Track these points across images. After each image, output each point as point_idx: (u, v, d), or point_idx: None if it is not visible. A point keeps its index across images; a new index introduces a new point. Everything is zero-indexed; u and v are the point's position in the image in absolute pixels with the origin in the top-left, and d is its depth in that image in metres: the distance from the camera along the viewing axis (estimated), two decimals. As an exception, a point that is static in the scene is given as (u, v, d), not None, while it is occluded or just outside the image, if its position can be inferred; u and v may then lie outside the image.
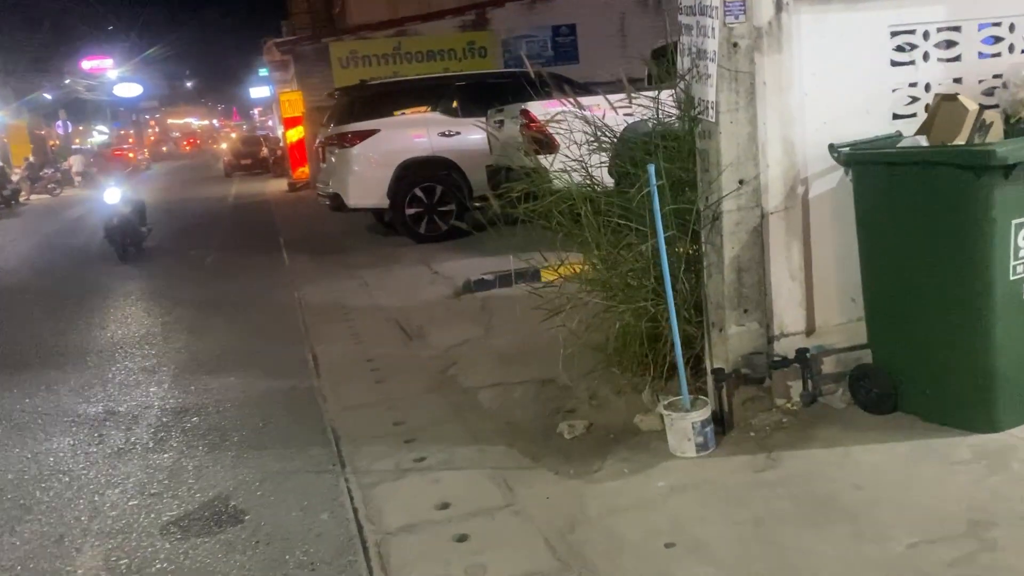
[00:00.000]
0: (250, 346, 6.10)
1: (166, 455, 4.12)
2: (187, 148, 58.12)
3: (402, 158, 9.42)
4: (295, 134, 21.30)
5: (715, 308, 3.38)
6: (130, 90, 56.81)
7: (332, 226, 12.60)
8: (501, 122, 8.17)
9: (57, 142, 46.25)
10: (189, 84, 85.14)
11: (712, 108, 3.20)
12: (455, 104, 9.64)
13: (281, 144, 29.59)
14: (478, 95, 9.78)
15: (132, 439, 4.41)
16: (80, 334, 7.13)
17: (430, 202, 9.56)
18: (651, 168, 3.15)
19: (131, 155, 51.04)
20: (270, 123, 58.86)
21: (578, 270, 4.41)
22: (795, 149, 3.28)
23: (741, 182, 3.24)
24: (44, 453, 4.32)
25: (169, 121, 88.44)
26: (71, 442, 4.45)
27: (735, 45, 3.15)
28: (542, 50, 21.53)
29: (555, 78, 10.20)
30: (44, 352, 6.58)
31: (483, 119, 9.33)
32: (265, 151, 31.92)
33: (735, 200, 3.25)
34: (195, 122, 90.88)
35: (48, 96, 44.82)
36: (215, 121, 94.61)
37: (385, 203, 9.48)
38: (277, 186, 23.45)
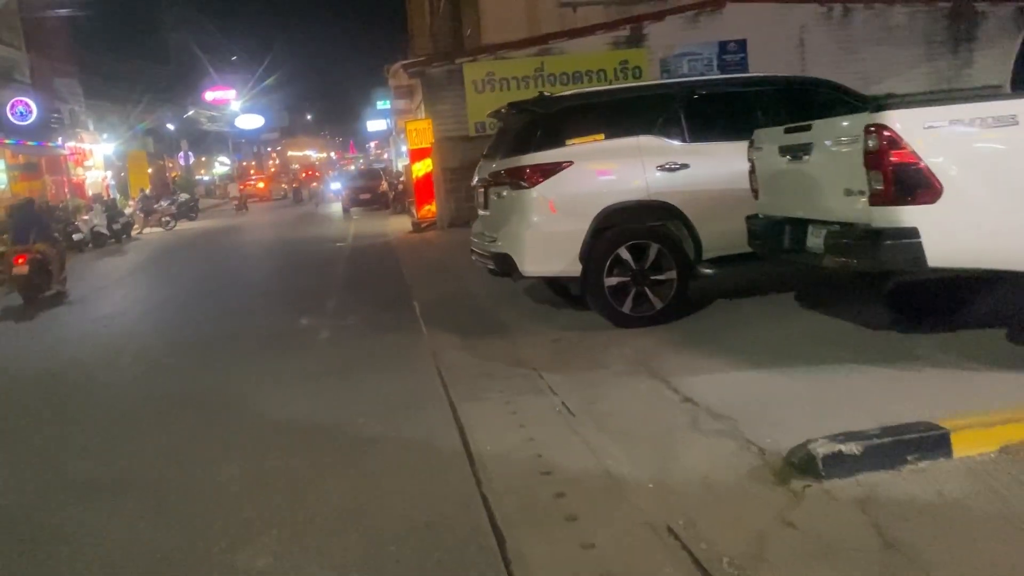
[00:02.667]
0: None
1: None
2: (297, 183, 55.05)
3: (604, 204, 6.34)
4: (422, 167, 18.73)
5: None
6: (252, 122, 56.84)
7: (476, 283, 9.70)
8: (801, 148, 4.96)
9: (178, 173, 46.00)
10: (309, 116, 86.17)
11: None
12: (682, 123, 6.52)
13: (402, 178, 27.36)
14: (718, 110, 6.67)
15: None
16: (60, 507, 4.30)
17: (640, 268, 6.44)
18: None
19: (261, 184, 50.43)
20: (386, 156, 57.82)
21: None
22: None
23: None
24: None
25: (289, 153, 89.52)
26: None
27: None
28: (706, 69, 18.33)
29: (836, 88, 7.00)
30: None
31: (727, 142, 6.27)
32: (384, 185, 29.78)
33: None
34: (314, 154, 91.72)
35: (171, 127, 44.69)
36: (332, 153, 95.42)
37: (576, 270, 6.41)
38: (399, 225, 20.94)
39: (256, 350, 7.55)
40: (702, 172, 6.42)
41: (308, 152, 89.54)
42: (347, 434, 4.88)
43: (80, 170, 30.91)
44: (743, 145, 6.36)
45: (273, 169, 78.22)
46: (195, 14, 49.08)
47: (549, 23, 19.65)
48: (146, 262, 18.07)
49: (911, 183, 3.93)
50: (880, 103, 4.19)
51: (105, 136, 33.64)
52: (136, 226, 27.59)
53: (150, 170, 42.07)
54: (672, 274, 6.46)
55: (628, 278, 6.44)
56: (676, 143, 6.51)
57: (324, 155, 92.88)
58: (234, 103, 52.71)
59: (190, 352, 7.76)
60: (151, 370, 7.19)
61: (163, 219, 28.44)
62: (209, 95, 49.80)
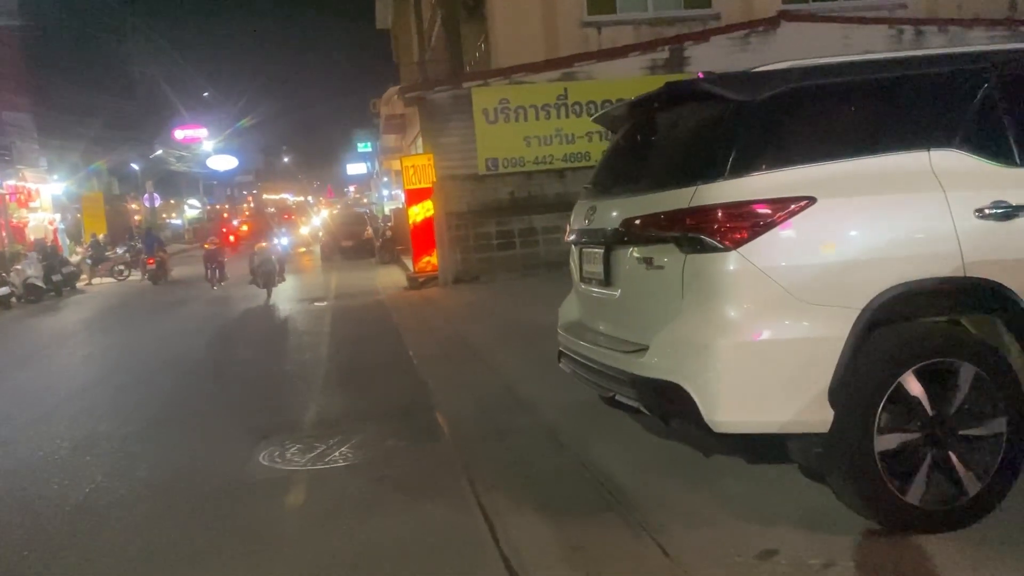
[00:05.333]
0: None
1: None
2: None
3: (880, 284, 3.08)
4: (421, 211, 15.52)
5: None
6: (225, 163, 53.56)
7: (523, 377, 6.59)
8: None
9: (140, 217, 42.45)
10: (285, 159, 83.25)
11: None
12: (1006, 128, 3.34)
13: (390, 223, 24.13)
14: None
15: None
16: None
17: (941, 413, 3.18)
18: None
19: (244, 227, 47.03)
20: (365, 200, 54.72)
21: None
22: None
23: None
24: None
25: (264, 196, 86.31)
26: None
27: None
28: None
29: None
30: None
31: None
32: (370, 231, 26.52)
33: None
34: (290, 198, 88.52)
35: (135, 166, 41.35)
36: (309, 198, 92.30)
37: (820, 420, 3.11)
38: (390, 278, 17.65)
39: (169, 535, 4.15)
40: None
41: (284, 195, 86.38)
42: None
43: (24, 212, 27.35)
44: None
45: (247, 212, 74.74)
46: (165, 48, 46.05)
47: (570, 45, 16.73)
48: (74, 326, 14.56)
49: None
50: None
51: (56, 176, 30.12)
52: (83, 276, 24.07)
53: (118, 213, 38.62)
54: (1000, 424, 3.21)
55: (917, 433, 3.18)
56: (1002, 166, 3.30)
57: (301, 199, 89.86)
58: (206, 143, 49.42)
59: (33, 544, 4.33)
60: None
61: (115, 268, 24.89)
62: (179, 133, 46.46)
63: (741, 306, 3.09)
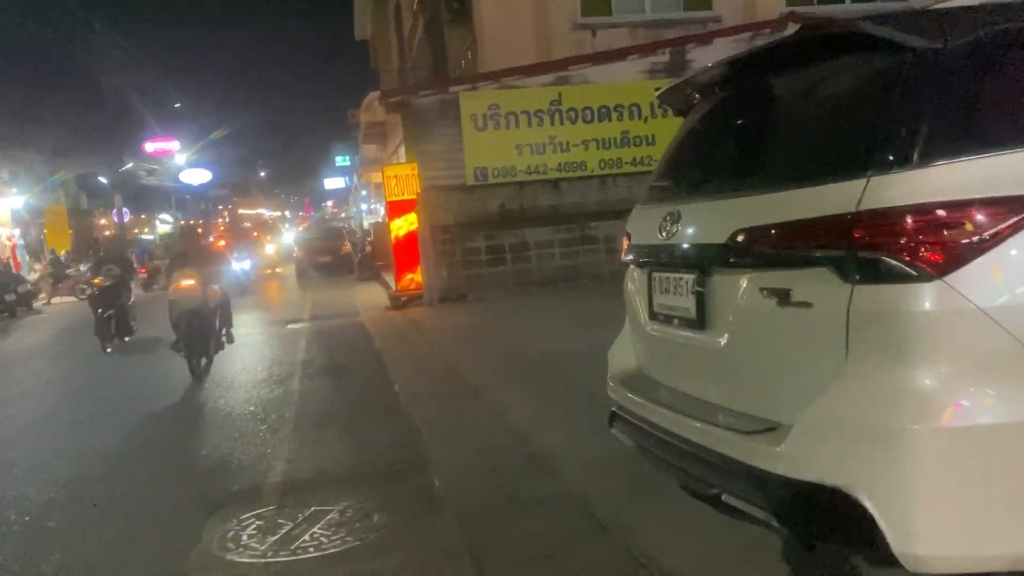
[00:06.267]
0: None
1: None
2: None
3: None
4: (404, 224, 14.33)
5: None
6: (198, 176, 51.93)
7: (545, 431, 5.40)
8: None
9: (107, 232, 40.77)
10: (262, 173, 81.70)
11: None
12: None
13: (369, 238, 22.93)
14: None
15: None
16: None
17: None
18: None
19: (222, 243, 45.39)
20: (343, 215, 53.41)
21: None
22: None
23: None
24: None
25: (240, 211, 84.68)
26: None
27: None
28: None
29: None
30: None
31: None
32: (348, 247, 25.27)
33: None
34: (267, 212, 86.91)
35: (103, 180, 39.79)
36: (286, 212, 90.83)
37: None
38: (371, 297, 16.40)
39: None
40: None
41: (261, 211, 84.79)
42: None
43: (-20, 227, 25.83)
44: None
45: (222, 228, 73.13)
46: (135, 57, 44.64)
47: (563, 48, 15.68)
48: (17, 355, 13.22)
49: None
50: None
51: (16, 189, 28.58)
52: (43, 295, 22.62)
53: (84, 228, 37.01)
54: None
55: None
56: None
57: (278, 214, 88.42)
58: (178, 156, 47.86)
59: None
60: None
61: (77, 286, 23.39)
62: (149, 146, 44.89)
63: (951, 369, 1.94)
